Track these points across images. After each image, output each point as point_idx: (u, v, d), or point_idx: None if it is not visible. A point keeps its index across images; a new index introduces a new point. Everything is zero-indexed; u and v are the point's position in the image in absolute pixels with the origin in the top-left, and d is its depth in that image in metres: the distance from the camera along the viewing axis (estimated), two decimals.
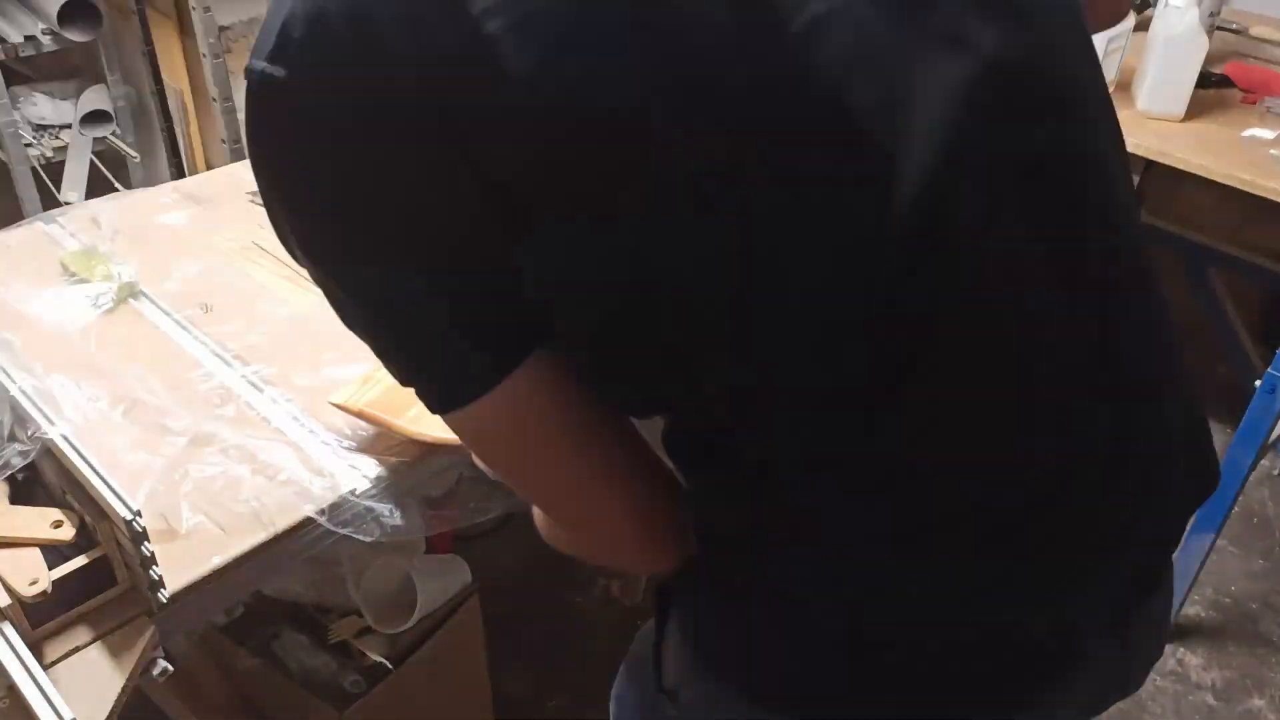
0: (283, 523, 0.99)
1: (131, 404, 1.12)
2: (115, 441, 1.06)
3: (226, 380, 1.17)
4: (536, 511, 0.75)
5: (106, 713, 0.84)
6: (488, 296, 0.57)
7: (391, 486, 1.07)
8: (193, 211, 1.51)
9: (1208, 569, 1.86)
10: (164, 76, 2.55)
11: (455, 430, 0.64)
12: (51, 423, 0.92)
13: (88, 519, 0.91)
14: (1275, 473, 2.23)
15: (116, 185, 2.59)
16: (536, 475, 0.67)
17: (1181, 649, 1.87)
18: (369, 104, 0.52)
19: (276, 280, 1.35)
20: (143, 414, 1.11)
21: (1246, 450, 1.64)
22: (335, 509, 1.02)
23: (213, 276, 1.36)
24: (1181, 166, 1.70)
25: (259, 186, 0.58)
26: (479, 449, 0.68)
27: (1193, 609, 1.93)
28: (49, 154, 2.51)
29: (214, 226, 1.48)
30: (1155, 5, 1.82)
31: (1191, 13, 1.71)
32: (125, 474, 1.01)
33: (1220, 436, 1.71)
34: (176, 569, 0.92)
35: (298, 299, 1.31)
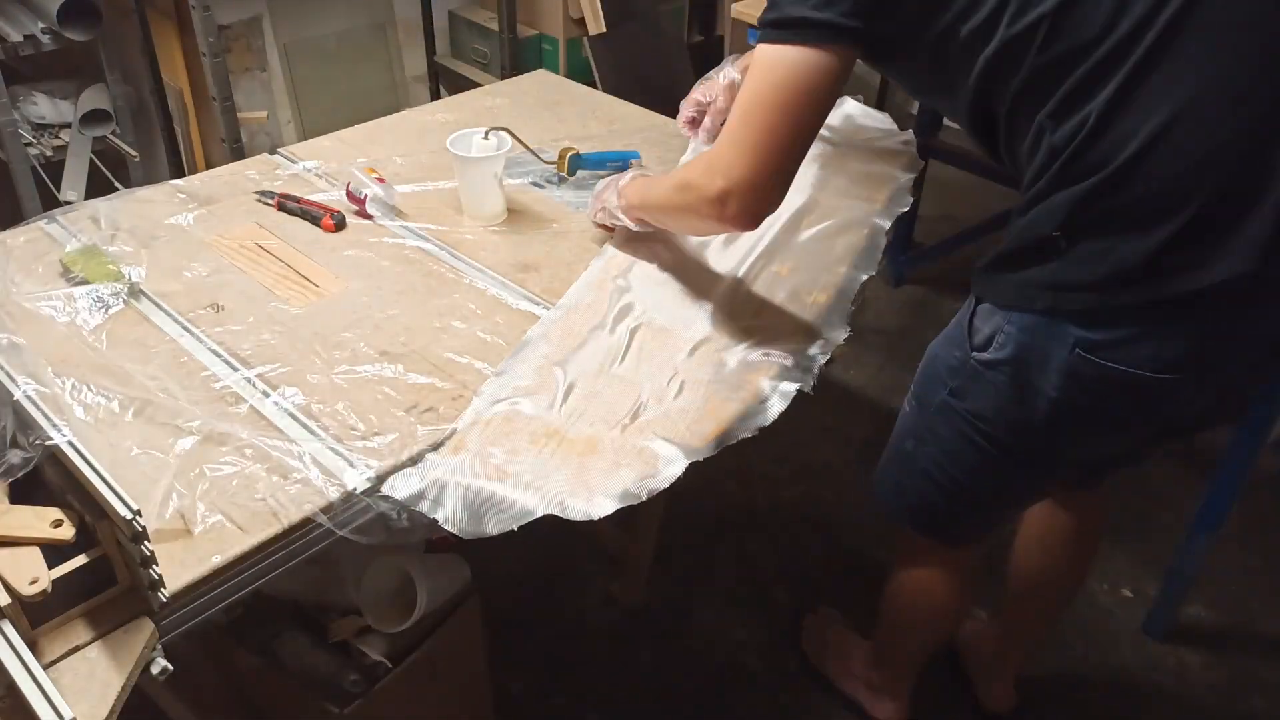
0: (293, 523, 0.99)
1: (143, 404, 1.12)
2: (126, 442, 1.06)
3: (238, 380, 1.17)
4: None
5: (106, 712, 0.84)
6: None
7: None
8: (197, 211, 1.51)
9: (1208, 569, 1.86)
10: (164, 76, 2.55)
11: (766, 63, 1.05)
12: (56, 427, 0.92)
13: (88, 518, 0.91)
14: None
15: (116, 185, 2.59)
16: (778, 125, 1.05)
17: (1181, 649, 1.87)
18: None
19: (283, 281, 1.35)
20: (155, 414, 1.11)
21: (1247, 450, 1.65)
22: (343, 509, 1.02)
23: (221, 276, 1.36)
24: None
25: None
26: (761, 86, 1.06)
27: (1193, 609, 1.93)
28: (49, 153, 2.51)
29: (219, 226, 1.48)
30: None
31: None
32: (138, 474, 1.02)
33: (1220, 437, 1.72)
34: (177, 569, 0.93)
35: (305, 299, 1.31)
